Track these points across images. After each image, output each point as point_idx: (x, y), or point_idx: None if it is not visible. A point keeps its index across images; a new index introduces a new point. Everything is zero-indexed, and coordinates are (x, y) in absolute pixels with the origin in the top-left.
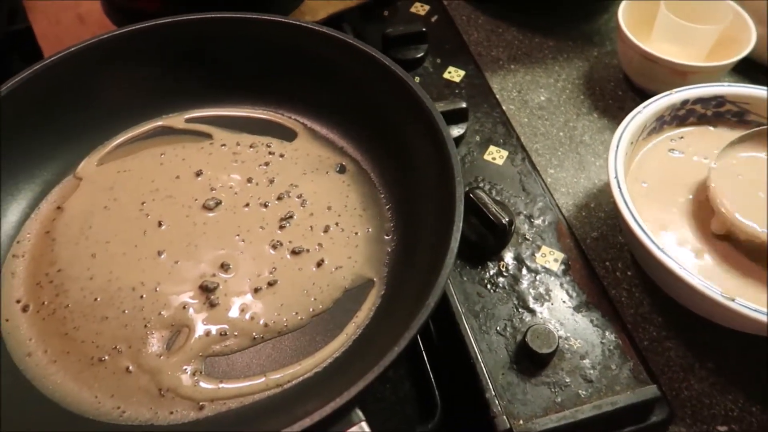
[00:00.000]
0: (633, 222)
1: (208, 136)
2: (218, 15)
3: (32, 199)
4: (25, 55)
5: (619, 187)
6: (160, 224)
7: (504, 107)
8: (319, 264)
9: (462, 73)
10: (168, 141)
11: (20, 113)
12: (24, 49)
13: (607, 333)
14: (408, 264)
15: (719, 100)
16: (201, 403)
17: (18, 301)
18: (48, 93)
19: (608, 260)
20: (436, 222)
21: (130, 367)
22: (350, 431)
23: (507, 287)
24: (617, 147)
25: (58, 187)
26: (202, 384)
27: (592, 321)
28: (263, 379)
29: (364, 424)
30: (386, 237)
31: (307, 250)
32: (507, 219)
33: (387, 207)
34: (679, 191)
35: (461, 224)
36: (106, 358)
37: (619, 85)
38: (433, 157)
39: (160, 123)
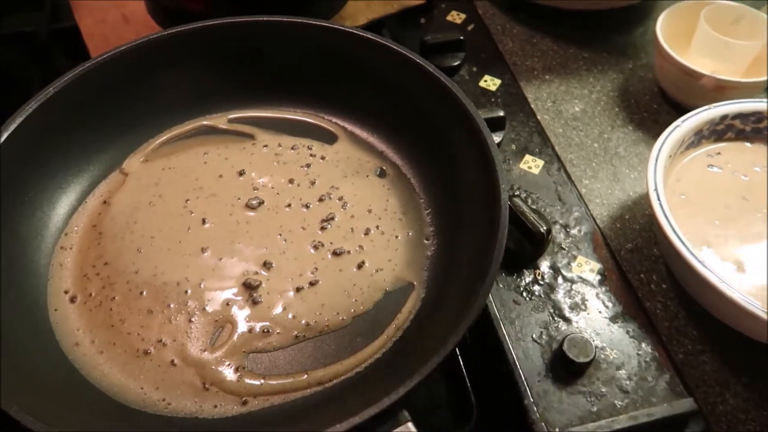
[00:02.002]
0: (672, 234)
1: (251, 136)
2: (261, 18)
3: (80, 193)
4: (69, 53)
5: (659, 199)
6: (203, 221)
7: (539, 117)
8: (360, 266)
9: (498, 82)
10: (211, 140)
11: (70, 110)
12: (68, 46)
13: (643, 345)
14: (448, 269)
15: (758, 116)
16: (244, 399)
17: (66, 292)
18: (97, 91)
19: (643, 272)
20: (479, 229)
21: (175, 361)
22: (397, 431)
23: (543, 295)
24: (656, 159)
25: (105, 182)
26: (246, 380)
27: (628, 332)
28: (305, 376)
29: (410, 425)
30: (426, 241)
31: (348, 252)
32: (545, 227)
33: (427, 212)
34: (719, 205)
35: (506, 232)
36: (152, 350)
37: (655, 98)
38: (475, 164)
39: (203, 122)
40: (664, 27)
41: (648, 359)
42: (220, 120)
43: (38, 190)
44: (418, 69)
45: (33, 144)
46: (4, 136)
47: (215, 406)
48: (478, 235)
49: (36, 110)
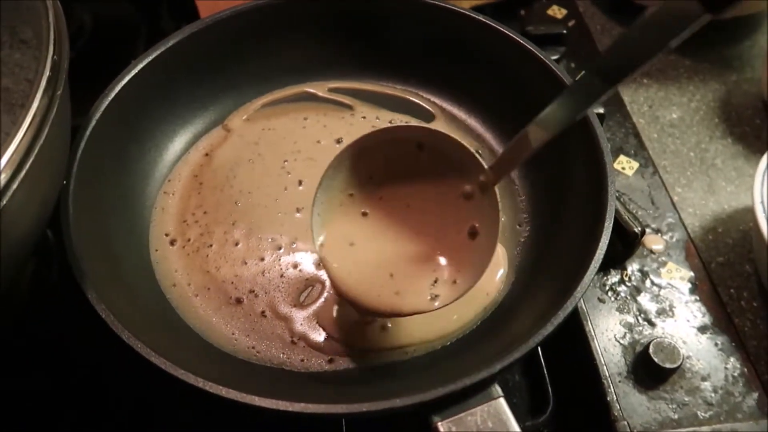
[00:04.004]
0: None
1: (349, 107)
2: None
3: (185, 144)
4: (174, 12)
5: (765, 213)
6: (300, 183)
7: (634, 120)
8: None
9: None
10: (311, 107)
11: (179, 67)
12: (173, 6)
13: (732, 359)
14: (541, 258)
15: None
16: (331, 357)
17: (166, 235)
18: (205, 50)
19: (733, 287)
20: (579, 226)
21: (266, 312)
22: (489, 404)
23: (628, 297)
24: (764, 173)
25: (207, 135)
26: (333, 339)
27: (716, 344)
28: (391, 343)
29: (502, 400)
30: (518, 227)
31: None
32: (639, 228)
33: (521, 198)
34: None
35: (611, 226)
36: (244, 299)
37: (758, 113)
38: (583, 160)
39: (305, 89)
40: None
41: (736, 374)
42: (320, 88)
43: (148, 136)
44: (535, 60)
45: (145, 95)
46: (120, 85)
47: (302, 360)
48: (577, 232)
49: (147, 65)
